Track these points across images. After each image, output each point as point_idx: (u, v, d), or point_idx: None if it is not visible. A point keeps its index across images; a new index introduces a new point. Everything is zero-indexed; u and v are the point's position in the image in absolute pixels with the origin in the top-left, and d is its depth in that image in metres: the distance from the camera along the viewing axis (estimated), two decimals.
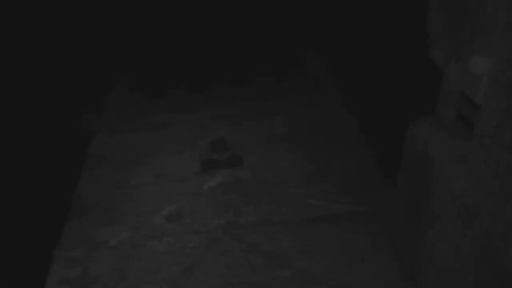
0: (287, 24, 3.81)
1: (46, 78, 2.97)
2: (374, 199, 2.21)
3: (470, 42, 1.39)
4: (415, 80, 2.14)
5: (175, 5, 4.03)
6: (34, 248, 2.15)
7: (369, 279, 1.84)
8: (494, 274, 1.18)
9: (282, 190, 2.35)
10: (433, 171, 1.42)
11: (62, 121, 2.90)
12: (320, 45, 3.59)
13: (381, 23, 2.51)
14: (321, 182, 2.36)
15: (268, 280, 1.89)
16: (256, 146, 2.71)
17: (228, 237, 2.13)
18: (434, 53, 1.60)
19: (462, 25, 1.43)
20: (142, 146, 2.80)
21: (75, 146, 2.84)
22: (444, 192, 1.34)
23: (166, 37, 3.95)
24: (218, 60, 3.66)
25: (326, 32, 3.51)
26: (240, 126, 2.90)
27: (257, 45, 3.74)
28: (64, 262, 2.07)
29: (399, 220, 1.85)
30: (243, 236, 2.13)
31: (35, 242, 2.18)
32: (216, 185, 2.45)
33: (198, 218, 2.25)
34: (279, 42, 3.76)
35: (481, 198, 1.20)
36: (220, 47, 3.79)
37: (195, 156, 2.69)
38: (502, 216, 1.16)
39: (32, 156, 2.60)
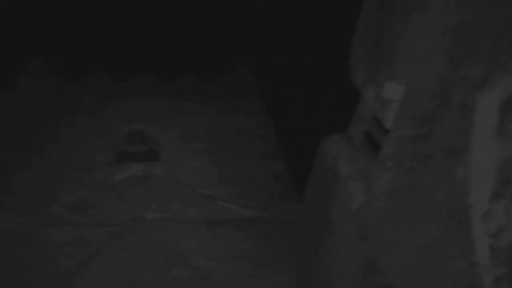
0: (220, 32, 3.79)
1: None
2: (282, 208, 2.25)
3: (386, 69, 1.47)
4: (335, 98, 2.21)
5: None
6: None
7: (266, 287, 1.87)
8: None
9: (194, 190, 2.33)
10: (338, 186, 1.47)
11: None
12: (249, 55, 3.61)
13: (307, 42, 2.58)
14: (233, 186, 2.37)
15: (166, 279, 1.86)
16: (174, 143, 2.66)
17: (132, 232, 2.08)
18: (353, 75, 1.66)
19: (381, 52, 1.50)
20: (51, 130, 2.65)
21: None
22: (344, 208, 1.40)
23: (94, 21, 3.78)
24: (147, 53, 3.55)
25: (256, 45, 3.55)
26: (161, 121, 2.83)
27: (188, 46, 3.68)
28: None
29: (302, 230, 1.90)
30: (148, 233, 2.08)
31: None
32: (126, 178, 2.38)
33: (102, 210, 2.16)
34: (210, 47, 3.72)
35: (376, 217, 1.26)
36: (149, 41, 3.68)
37: (109, 146, 2.59)
38: (393, 237, 1.22)
39: None
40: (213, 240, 2.07)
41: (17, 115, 2.75)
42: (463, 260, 1.09)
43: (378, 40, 1.52)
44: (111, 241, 2.02)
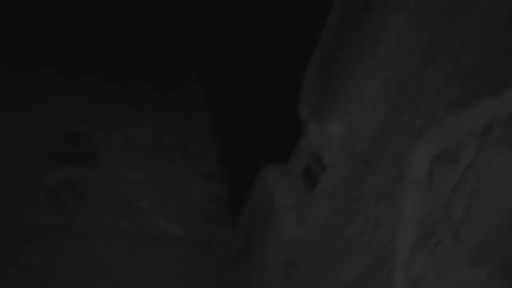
0: (178, 46, 3.75)
1: None
2: (215, 231, 2.23)
3: (332, 108, 1.51)
4: (282, 127, 2.24)
5: None
6: None
7: None
8: None
9: (128, 201, 2.27)
10: (272, 217, 1.48)
11: None
12: (204, 73, 3.59)
13: (260, 70, 2.63)
14: (168, 202, 2.33)
15: None
16: (115, 150, 2.59)
17: (56, 238, 1.98)
18: (301, 108, 1.70)
19: (329, 91, 1.55)
20: None
21: None
22: (277, 238, 1.40)
23: (55, 12, 3.63)
24: (102, 53, 3.44)
25: (212, 64, 3.54)
26: (106, 125, 2.75)
27: (145, 53, 3.60)
28: None
29: (234, 256, 1.89)
30: (73, 241, 2.00)
31: None
32: (59, 180, 2.28)
33: (27, 210, 2.06)
34: (167, 58, 3.66)
35: (305, 251, 1.27)
36: (107, 42, 3.58)
37: (45, 144, 2.48)
38: (318, 272, 1.23)
39: None
40: (140, 256, 2.01)
41: None
42: None
43: (328, 79, 1.57)
44: (31, 244, 1.92)
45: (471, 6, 1.09)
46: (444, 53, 1.11)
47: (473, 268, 0.81)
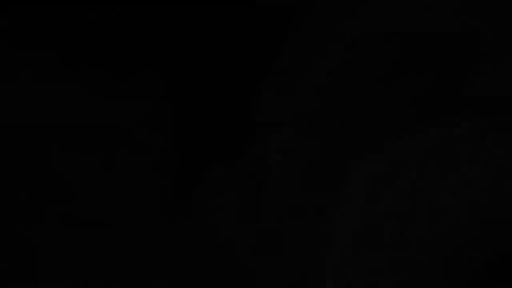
0: (141, 35, 3.68)
1: None
2: (158, 225, 2.20)
3: (285, 120, 1.54)
4: (234, 130, 2.25)
5: None
6: None
7: None
8: None
9: (65, 182, 2.20)
10: (215, 220, 1.49)
11: None
12: (166, 64, 3.54)
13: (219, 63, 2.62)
14: (109, 190, 2.27)
15: None
16: (58, 131, 2.51)
17: None
18: (255, 114, 1.71)
19: (285, 104, 1.58)
20: None
21: None
22: (216, 242, 1.42)
23: None
24: (57, 33, 3.31)
25: (176, 55, 3.50)
26: (51, 107, 2.66)
27: (103, 41, 3.51)
28: None
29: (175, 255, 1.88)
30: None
31: None
32: None
33: None
34: (125, 47, 3.59)
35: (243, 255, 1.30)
36: None
37: None
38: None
39: None
40: (67, 241, 1.95)
41: None
42: None
43: (286, 93, 1.60)
44: None
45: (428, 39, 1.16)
46: (395, 83, 1.17)
47: None
